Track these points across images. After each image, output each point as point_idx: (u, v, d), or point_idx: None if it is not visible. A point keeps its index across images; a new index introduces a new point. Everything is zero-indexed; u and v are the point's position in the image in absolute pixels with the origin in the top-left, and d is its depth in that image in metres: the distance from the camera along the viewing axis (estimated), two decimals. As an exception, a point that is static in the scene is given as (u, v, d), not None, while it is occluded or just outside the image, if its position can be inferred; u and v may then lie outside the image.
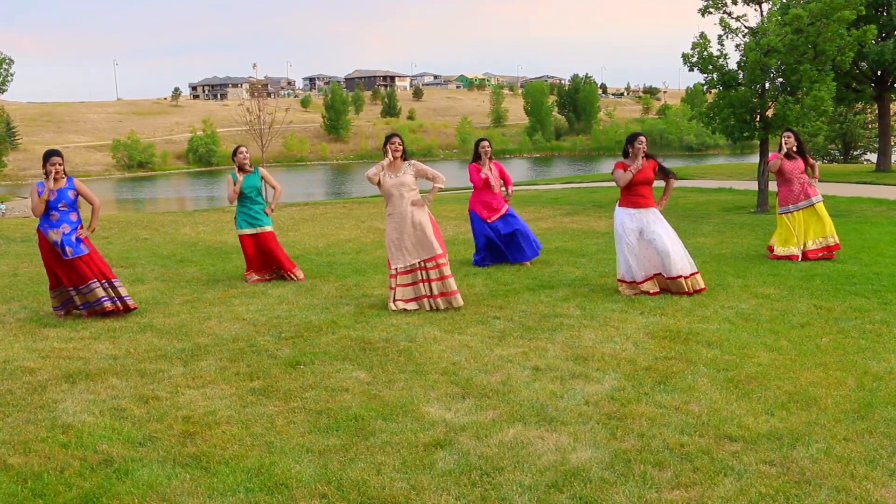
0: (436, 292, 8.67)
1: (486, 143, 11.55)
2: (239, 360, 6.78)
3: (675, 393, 5.67)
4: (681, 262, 8.99)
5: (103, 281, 8.52)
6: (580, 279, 10.19)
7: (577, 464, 4.48)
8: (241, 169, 10.73)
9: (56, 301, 8.73)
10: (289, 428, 5.16)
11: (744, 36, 20.31)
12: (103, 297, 8.49)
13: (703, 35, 20.18)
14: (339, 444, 4.86)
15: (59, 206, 8.37)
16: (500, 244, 11.34)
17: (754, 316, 7.95)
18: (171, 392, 5.95)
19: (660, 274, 9.04)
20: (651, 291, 8.97)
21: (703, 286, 9.07)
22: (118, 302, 8.58)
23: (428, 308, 8.62)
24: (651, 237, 8.97)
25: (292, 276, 10.75)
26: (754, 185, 22.33)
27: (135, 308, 8.74)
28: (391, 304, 8.66)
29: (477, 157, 11.51)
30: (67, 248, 8.38)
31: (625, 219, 9.08)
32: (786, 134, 11.48)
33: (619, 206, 9.21)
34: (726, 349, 6.75)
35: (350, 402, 5.62)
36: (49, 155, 8.36)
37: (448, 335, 7.46)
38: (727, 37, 20.43)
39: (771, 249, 11.64)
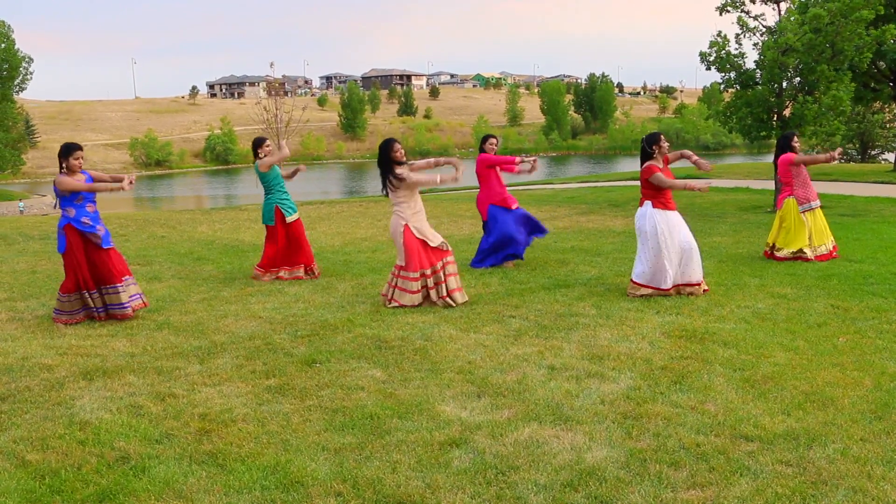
0: (453, 287, 8.79)
1: (494, 140, 11.28)
2: (255, 358, 6.80)
3: (690, 392, 5.65)
4: (699, 268, 8.97)
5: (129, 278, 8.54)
6: (596, 278, 10.17)
7: (593, 463, 4.48)
8: None
9: (68, 305, 8.30)
10: (304, 426, 5.17)
11: (761, 35, 20.21)
12: (135, 294, 8.49)
13: (721, 34, 20.08)
14: (354, 443, 4.87)
15: (94, 197, 8.31)
16: (523, 228, 11.11)
17: (771, 315, 7.91)
18: (188, 390, 5.98)
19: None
20: (672, 293, 8.89)
21: (705, 289, 9.05)
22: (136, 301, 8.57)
23: (442, 305, 8.68)
24: (683, 239, 8.91)
25: (313, 270, 10.82)
26: (771, 185, 22.25)
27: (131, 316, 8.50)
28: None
29: (485, 152, 11.20)
30: (109, 238, 8.37)
31: (659, 220, 8.82)
32: (796, 137, 11.45)
33: (654, 207, 8.87)
34: (742, 349, 6.72)
35: (366, 401, 5.62)
36: (73, 148, 8.20)
37: (464, 334, 7.46)
38: (745, 36, 20.33)
39: (771, 251, 11.50)
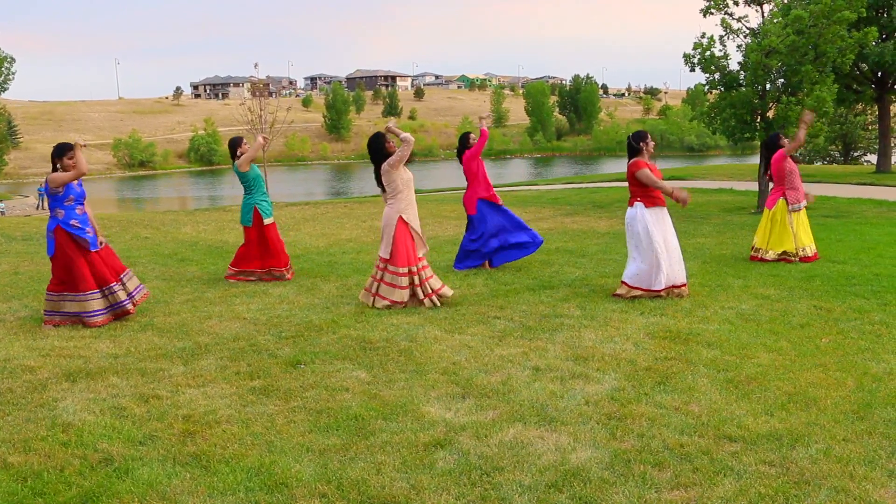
0: (437, 286, 8.88)
1: (473, 136, 11.30)
2: (239, 359, 6.78)
3: (674, 393, 5.67)
4: (683, 269, 8.99)
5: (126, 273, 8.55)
6: (580, 279, 10.19)
7: (577, 464, 4.48)
8: None
9: (58, 304, 8.19)
10: (289, 427, 5.16)
11: (745, 37, 20.32)
12: (137, 287, 8.50)
13: (706, 35, 20.15)
14: (339, 444, 4.86)
15: (84, 199, 8.26)
16: (511, 230, 11.06)
17: (754, 316, 7.95)
18: (172, 391, 5.95)
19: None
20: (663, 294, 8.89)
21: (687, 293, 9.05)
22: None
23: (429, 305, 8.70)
24: (673, 239, 8.92)
25: (283, 274, 10.72)
26: (755, 186, 22.34)
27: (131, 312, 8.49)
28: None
29: (467, 148, 11.14)
30: (97, 241, 8.33)
31: (650, 219, 8.78)
32: (784, 137, 11.51)
33: (647, 206, 8.80)
34: (726, 350, 6.75)
35: (350, 402, 5.62)
36: (67, 148, 8.12)
37: (448, 335, 7.46)
38: (728, 37, 20.43)
39: (758, 252, 11.51)
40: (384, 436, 4.98)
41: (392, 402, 5.59)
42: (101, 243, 8.41)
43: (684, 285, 8.94)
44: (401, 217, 8.68)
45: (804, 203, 11.42)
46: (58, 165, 8.10)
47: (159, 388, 6.03)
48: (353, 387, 5.97)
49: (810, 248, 11.34)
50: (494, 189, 11.30)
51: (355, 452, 4.73)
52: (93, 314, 8.12)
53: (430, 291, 8.76)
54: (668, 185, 8.90)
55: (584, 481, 4.27)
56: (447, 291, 8.90)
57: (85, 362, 6.74)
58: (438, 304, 8.72)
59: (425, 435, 4.97)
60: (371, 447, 4.80)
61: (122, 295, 8.29)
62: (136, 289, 8.55)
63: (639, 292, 8.85)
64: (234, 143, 10.76)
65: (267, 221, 10.56)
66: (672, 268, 8.84)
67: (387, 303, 8.65)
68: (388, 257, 8.73)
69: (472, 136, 11.29)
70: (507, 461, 4.55)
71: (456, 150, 11.43)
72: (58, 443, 4.94)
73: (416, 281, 8.72)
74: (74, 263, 8.14)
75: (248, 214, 10.58)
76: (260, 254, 10.59)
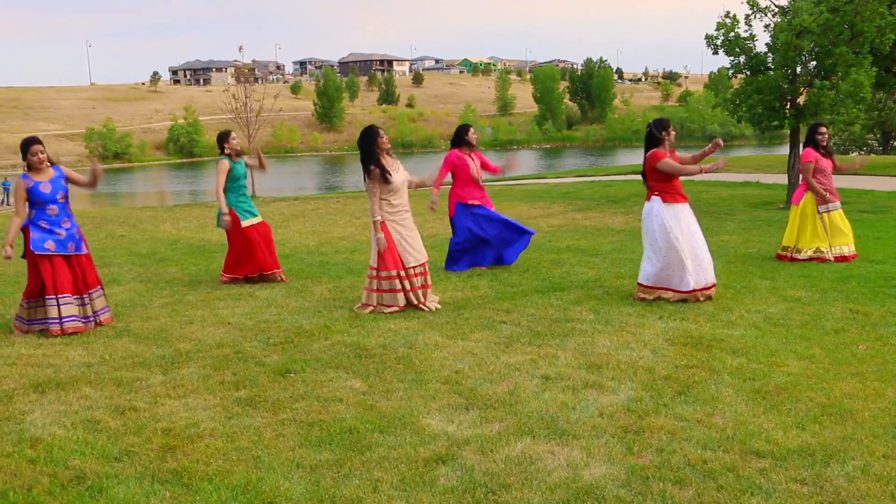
0: (422, 298, 8.89)
1: (474, 130, 11.32)
2: (224, 367, 6.78)
3: (697, 404, 5.66)
4: (712, 269, 8.95)
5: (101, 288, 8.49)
6: (594, 280, 10.18)
7: (591, 481, 4.48)
8: (236, 155, 10.64)
9: (32, 313, 8.21)
10: (277, 441, 5.16)
11: (774, 15, 20.25)
12: (104, 308, 8.45)
13: (729, 15, 20.10)
14: (332, 459, 4.86)
15: (58, 197, 8.13)
16: (490, 235, 11.01)
17: (784, 321, 7.94)
18: (150, 402, 5.95)
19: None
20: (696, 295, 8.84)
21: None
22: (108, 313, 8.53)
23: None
24: (698, 236, 8.89)
25: (279, 275, 10.74)
26: (784, 179, 22.30)
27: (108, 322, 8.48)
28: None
29: (465, 143, 11.12)
30: (70, 244, 8.19)
31: (667, 216, 8.72)
32: (822, 129, 11.37)
33: (665, 201, 8.77)
34: (753, 357, 6.74)
35: (344, 414, 5.62)
36: (28, 143, 8.08)
37: (450, 341, 7.46)
38: (755, 16, 20.37)
39: (787, 252, 11.47)
40: (381, 451, 4.97)
41: (389, 414, 5.59)
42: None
43: (713, 287, 8.90)
44: (383, 224, 8.70)
45: (832, 205, 11.33)
46: (25, 164, 8.08)
47: (136, 399, 6.03)
48: (348, 397, 5.97)
49: (849, 247, 11.28)
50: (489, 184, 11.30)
51: (350, 469, 4.73)
52: (49, 321, 8.09)
53: (423, 299, 8.79)
54: (693, 167, 8.82)
55: (598, 500, 4.26)
56: (433, 306, 8.92)
57: (55, 371, 6.74)
58: (438, 307, 8.74)
59: (425, 450, 4.97)
60: (367, 463, 4.80)
61: (77, 310, 8.17)
62: (100, 309, 8.44)
63: (668, 294, 8.80)
64: (222, 138, 10.69)
65: (245, 223, 10.51)
66: (700, 268, 8.78)
67: (395, 308, 8.67)
68: (375, 265, 8.73)
69: (473, 130, 11.25)
70: (515, 478, 4.55)
71: (451, 140, 11.42)
72: (25, 459, 4.94)
73: (408, 286, 8.74)
74: (29, 268, 8.15)
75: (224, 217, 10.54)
76: (249, 257, 10.54)
